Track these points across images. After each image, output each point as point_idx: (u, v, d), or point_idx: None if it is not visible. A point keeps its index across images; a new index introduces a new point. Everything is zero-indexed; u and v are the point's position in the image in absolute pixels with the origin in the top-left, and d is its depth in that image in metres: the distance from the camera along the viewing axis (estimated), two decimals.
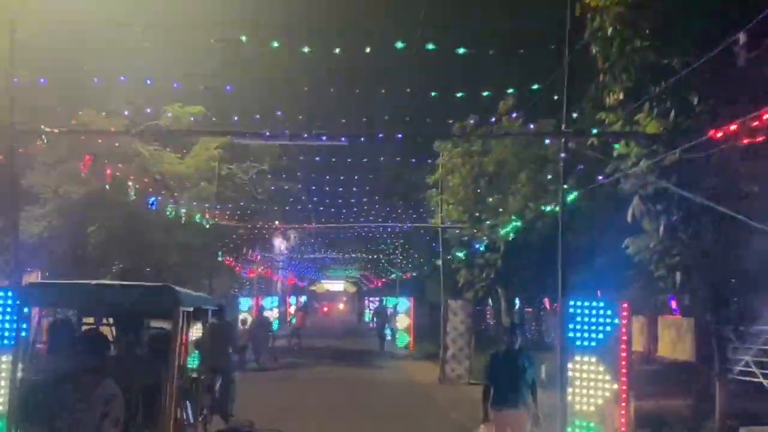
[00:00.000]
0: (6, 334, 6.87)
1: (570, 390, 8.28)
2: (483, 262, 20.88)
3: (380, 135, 8.64)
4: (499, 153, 17.57)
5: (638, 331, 21.46)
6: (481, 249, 18.91)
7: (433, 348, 24.12)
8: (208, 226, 19.96)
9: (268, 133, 8.77)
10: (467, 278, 21.67)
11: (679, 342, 19.82)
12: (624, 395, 7.82)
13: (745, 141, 7.89)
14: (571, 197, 10.38)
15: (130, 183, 16.63)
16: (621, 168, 9.98)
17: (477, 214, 19.19)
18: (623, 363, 7.83)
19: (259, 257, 36.84)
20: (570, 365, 8.27)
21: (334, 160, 20.88)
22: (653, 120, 9.74)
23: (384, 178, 26.64)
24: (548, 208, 13.48)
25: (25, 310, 6.34)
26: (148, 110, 16.47)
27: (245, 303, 29.61)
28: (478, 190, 19.11)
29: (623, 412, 7.64)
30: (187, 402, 7.55)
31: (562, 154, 9.49)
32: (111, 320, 7.34)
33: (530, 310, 30.25)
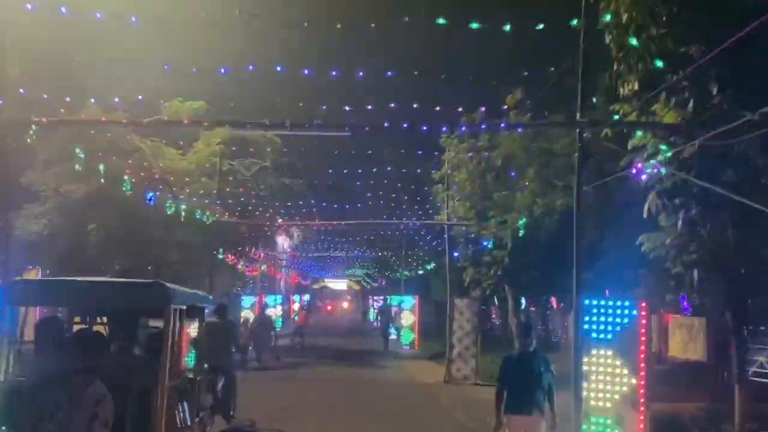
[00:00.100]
0: None
1: (585, 385, 7.93)
2: (490, 259, 20.50)
3: (386, 125, 8.24)
4: (507, 147, 17.15)
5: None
6: (489, 246, 18.49)
7: (438, 347, 23.78)
8: (208, 223, 19.59)
9: (268, 123, 8.42)
10: (473, 276, 21.28)
11: (691, 342, 19.36)
12: (642, 390, 7.45)
13: None
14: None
15: (128, 178, 16.28)
16: (636, 160, 9.55)
17: (484, 210, 18.79)
18: (641, 362, 7.44)
19: (262, 255, 36.51)
20: (585, 359, 7.94)
21: (337, 152, 20.50)
22: (671, 111, 9.32)
23: (389, 173, 26.23)
24: (559, 202, 13.04)
25: (7, 308, 5.98)
26: (140, 98, 16.07)
27: (248, 301, 29.27)
28: (486, 186, 18.69)
29: (642, 417, 7.24)
30: (184, 403, 7.22)
31: (578, 144, 9.06)
32: (103, 319, 7.04)
33: (534, 309, 29.84)
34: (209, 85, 19.00)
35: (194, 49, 18.38)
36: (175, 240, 20.02)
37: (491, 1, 15.39)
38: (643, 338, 7.43)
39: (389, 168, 23.85)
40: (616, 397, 7.66)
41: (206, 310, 15.62)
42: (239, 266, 30.50)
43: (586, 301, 7.94)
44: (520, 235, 16.90)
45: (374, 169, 23.45)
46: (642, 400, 7.34)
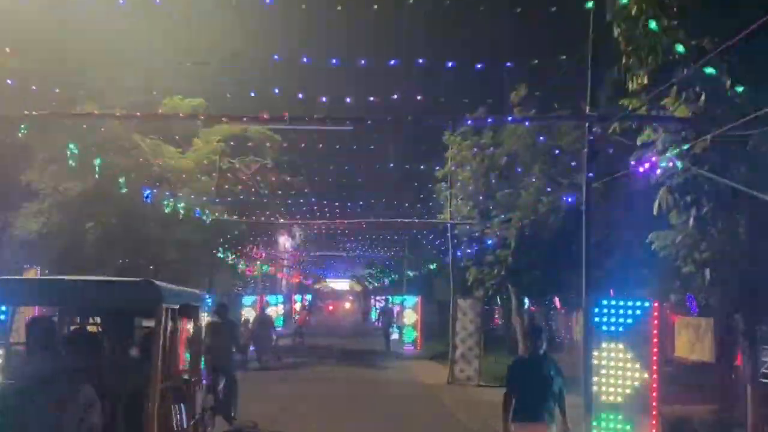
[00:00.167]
0: None
1: (596, 380, 7.67)
2: (493, 258, 20.25)
3: (389, 118, 7.96)
4: (511, 145, 16.90)
5: None
6: (492, 245, 18.23)
7: (440, 347, 23.52)
8: (208, 222, 19.34)
9: (267, 116, 8.15)
10: (476, 276, 21.03)
11: (698, 342, 19.09)
12: (654, 393, 7.19)
13: None
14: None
15: (126, 176, 16.06)
16: (648, 154, 9.28)
17: (487, 209, 18.54)
18: (654, 364, 7.17)
19: (263, 255, 36.28)
20: (595, 353, 7.68)
21: (338, 146, 20.22)
22: (681, 105, 9.04)
23: (391, 172, 25.98)
24: (569, 200, 12.76)
25: None
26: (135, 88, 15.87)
27: (248, 301, 29.02)
28: (490, 184, 18.44)
29: (654, 422, 6.97)
30: (181, 405, 6.96)
31: (588, 137, 8.79)
32: (93, 319, 6.79)
33: (534, 309, 29.53)
34: (209, 85, 18.85)
35: (194, 48, 18.23)
36: (174, 238, 19.79)
37: None
38: (655, 339, 7.15)
39: (391, 165, 23.59)
40: (628, 391, 7.41)
41: (205, 309, 15.54)
42: (240, 266, 30.26)
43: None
44: (525, 234, 16.65)
45: (376, 165, 23.18)
46: (654, 403, 7.06)
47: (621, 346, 7.45)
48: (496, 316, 35.13)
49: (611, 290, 14.19)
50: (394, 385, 18.36)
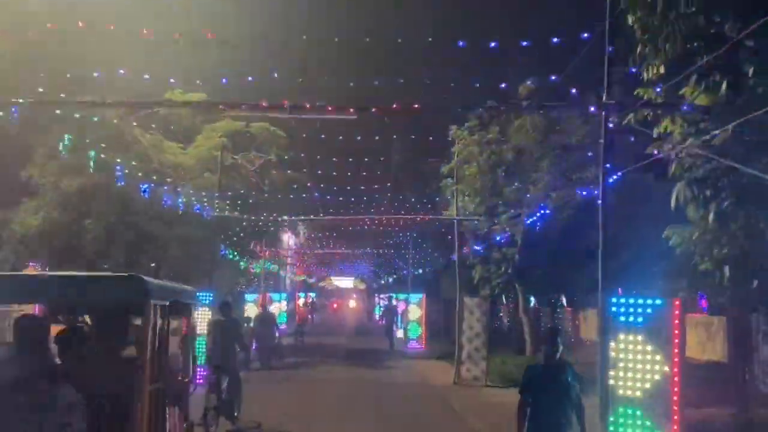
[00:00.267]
0: None
1: (613, 373, 7.27)
2: (500, 256, 19.92)
3: (393, 106, 7.58)
4: (519, 140, 16.54)
5: None
6: (501, 241, 17.87)
7: (446, 347, 23.14)
8: (209, 218, 19.02)
9: (266, 104, 7.79)
10: (483, 274, 20.69)
11: (709, 342, 18.70)
12: (675, 397, 6.80)
13: None
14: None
15: (125, 171, 15.75)
16: (663, 149, 8.89)
17: (494, 206, 18.18)
18: (675, 366, 6.77)
19: (268, 253, 35.98)
20: (612, 344, 7.27)
21: (341, 138, 19.84)
22: (701, 94, 8.65)
23: (396, 167, 25.64)
24: (584, 192, 12.37)
25: None
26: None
27: (251, 297, 28.69)
28: (497, 180, 18.08)
29: (676, 427, 6.58)
30: (174, 408, 6.62)
31: (605, 125, 8.38)
32: (78, 317, 6.44)
33: (539, 307, 29.15)
34: (209, 87, 18.54)
35: (195, 42, 17.88)
36: (175, 235, 19.48)
37: None
38: (676, 340, 6.75)
39: (396, 157, 23.20)
40: (648, 386, 7.01)
41: (203, 306, 15.23)
42: (242, 262, 29.95)
43: (613, 299, 7.28)
44: (533, 230, 16.30)
45: (382, 155, 22.80)
46: (676, 408, 6.66)
47: (639, 337, 7.05)
48: (501, 314, 34.73)
49: (619, 289, 13.84)
50: (399, 385, 17.99)
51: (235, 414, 11.67)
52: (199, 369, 13.83)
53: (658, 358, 6.93)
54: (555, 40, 10.02)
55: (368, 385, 17.88)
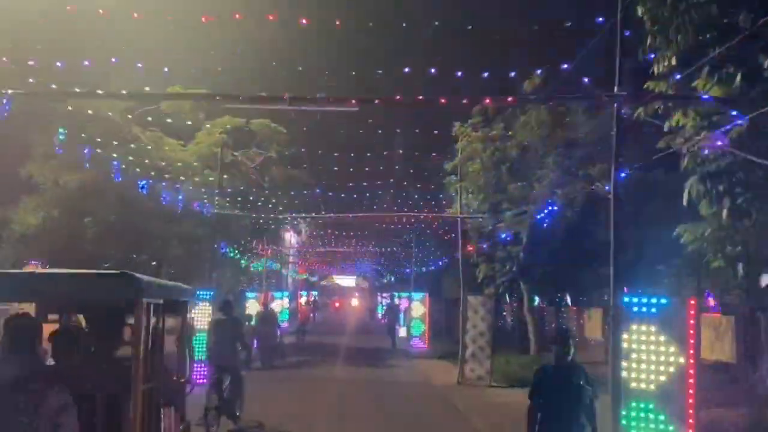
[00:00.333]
0: None
1: (625, 364, 7.01)
2: (504, 254, 19.68)
3: (397, 98, 7.33)
4: (524, 137, 16.28)
5: None
6: (506, 239, 17.62)
7: (448, 346, 22.91)
8: (209, 216, 18.80)
9: (265, 95, 7.57)
10: (487, 272, 20.45)
11: (717, 341, 18.41)
12: (691, 399, 6.55)
13: None
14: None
15: (124, 168, 15.56)
16: (675, 143, 8.63)
17: (498, 203, 17.93)
18: (691, 368, 6.52)
19: (270, 251, 35.77)
20: (625, 335, 7.02)
21: (342, 131, 19.60)
22: (714, 87, 8.39)
23: (399, 164, 25.39)
24: (593, 187, 12.12)
25: None
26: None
27: (252, 294, 28.46)
28: (501, 177, 17.84)
29: (691, 411, 6.34)
30: (171, 408, 6.41)
31: (617, 116, 8.12)
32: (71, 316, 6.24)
33: (543, 306, 28.92)
34: (209, 86, 18.39)
35: (197, 40, 17.74)
36: (175, 233, 19.27)
37: None
38: (692, 341, 6.49)
39: (400, 151, 22.95)
40: (662, 378, 6.76)
41: (202, 303, 15.01)
42: (243, 261, 29.73)
43: (625, 299, 7.03)
44: (538, 227, 16.05)
45: (384, 152, 22.55)
46: (691, 411, 6.42)
47: (653, 328, 6.80)
48: (504, 313, 34.51)
49: (625, 288, 13.61)
50: (402, 385, 17.77)
51: (237, 413, 11.49)
52: (199, 367, 13.67)
53: (672, 349, 6.69)
54: (568, 25, 9.76)
55: (370, 384, 17.67)
